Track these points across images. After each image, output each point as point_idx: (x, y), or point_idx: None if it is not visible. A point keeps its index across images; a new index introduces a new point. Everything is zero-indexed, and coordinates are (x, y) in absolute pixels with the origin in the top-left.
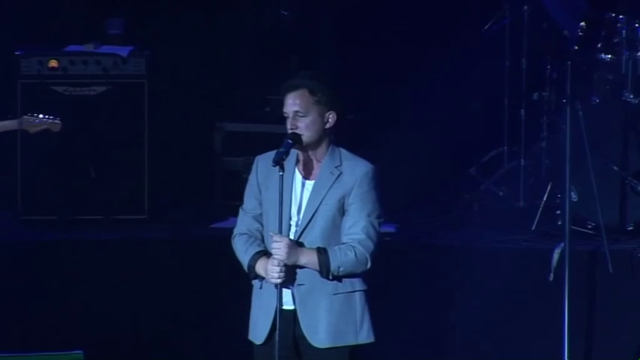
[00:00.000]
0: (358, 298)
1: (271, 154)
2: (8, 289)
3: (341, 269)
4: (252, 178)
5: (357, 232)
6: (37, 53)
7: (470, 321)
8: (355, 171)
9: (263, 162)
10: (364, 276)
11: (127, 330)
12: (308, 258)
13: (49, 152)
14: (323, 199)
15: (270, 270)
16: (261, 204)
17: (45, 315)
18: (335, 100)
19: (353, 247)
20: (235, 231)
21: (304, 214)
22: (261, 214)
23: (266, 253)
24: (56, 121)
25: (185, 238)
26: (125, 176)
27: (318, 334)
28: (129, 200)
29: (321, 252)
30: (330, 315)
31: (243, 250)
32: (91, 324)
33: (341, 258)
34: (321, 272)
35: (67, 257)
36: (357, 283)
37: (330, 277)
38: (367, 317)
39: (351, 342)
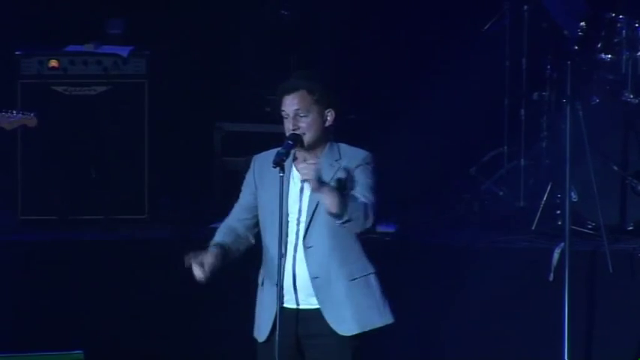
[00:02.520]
0: (374, 280)
1: (268, 153)
2: (8, 289)
3: (353, 214)
4: (249, 176)
5: (360, 191)
6: (38, 53)
7: (470, 321)
8: (354, 158)
9: (260, 161)
10: (371, 260)
11: (127, 330)
12: (329, 192)
13: (49, 152)
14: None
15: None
16: (256, 200)
17: (45, 315)
18: (333, 98)
19: (360, 197)
20: (224, 221)
21: (307, 211)
22: (255, 207)
23: (222, 247)
24: (31, 116)
25: (185, 238)
26: (125, 176)
27: (346, 322)
28: (129, 200)
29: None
30: (353, 301)
31: (216, 234)
32: (91, 324)
33: (355, 202)
34: (334, 212)
35: (67, 257)
36: (369, 267)
37: (342, 220)
38: (386, 298)
39: (377, 324)
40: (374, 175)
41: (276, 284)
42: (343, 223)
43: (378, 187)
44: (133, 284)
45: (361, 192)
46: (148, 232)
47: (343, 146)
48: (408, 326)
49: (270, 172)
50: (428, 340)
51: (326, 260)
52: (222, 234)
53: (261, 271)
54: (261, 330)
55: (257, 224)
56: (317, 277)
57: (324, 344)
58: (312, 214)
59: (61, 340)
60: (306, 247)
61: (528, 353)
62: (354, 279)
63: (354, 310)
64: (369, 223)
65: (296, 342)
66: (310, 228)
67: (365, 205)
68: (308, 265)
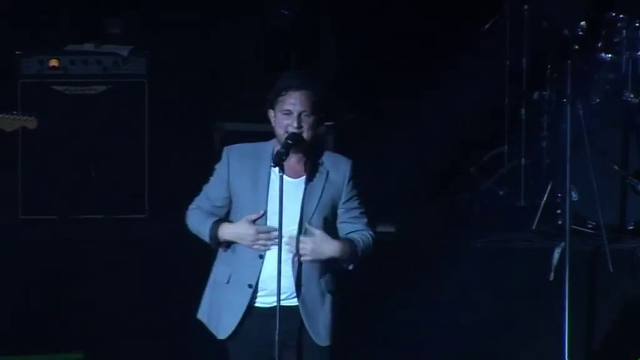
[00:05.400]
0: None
1: (244, 146)
2: (8, 289)
3: (360, 254)
4: (221, 169)
5: (362, 220)
6: (38, 53)
7: (469, 320)
8: (339, 169)
9: (236, 155)
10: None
11: (127, 330)
12: (336, 248)
13: (49, 152)
14: (320, 199)
15: (247, 235)
16: (227, 198)
17: (45, 315)
18: (328, 101)
19: (365, 232)
20: (191, 206)
21: (304, 214)
22: (221, 207)
23: (225, 221)
24: (31, 117)
25: (185, 238)
26: (125, 176)
27: (320, 333)
28: (129, 200)
29: (347, 242)
30: (328, 313)
31: (198, 220)
32: (91, 324)
33: (363, 243)
34: (344, 262)
35: (67, 257)
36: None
37: (352, 267)
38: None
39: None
40: (361, 184)
41: (252, 285)
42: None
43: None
44: (132, 284)
45: (359, 211)
46: (148, 231)
47: (320, 150)
48: (407, 325)
49: (249, 168)
50: (427, 340)
51: (312, 270)
52: (210, 217)
53: (226, 269)
54: (222, 327)
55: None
56: (302, 286)
57: (305, 339)
58: (310, 218)
59: (60, 341)
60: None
61: (528, 353)
62: (332, 291)
63: (328, 322)
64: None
65: (298, 341)
66: (300, 236)
67: (370, 235)
68: (293, 273)
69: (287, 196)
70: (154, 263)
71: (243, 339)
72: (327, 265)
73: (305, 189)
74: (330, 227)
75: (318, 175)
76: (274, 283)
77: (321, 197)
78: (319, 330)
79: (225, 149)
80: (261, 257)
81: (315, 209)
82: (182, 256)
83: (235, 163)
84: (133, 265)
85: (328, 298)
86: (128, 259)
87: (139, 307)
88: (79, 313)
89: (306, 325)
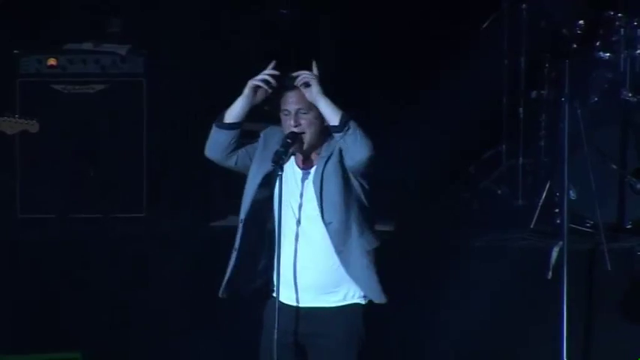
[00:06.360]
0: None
1: (276, 129)
2: (7, 289)
3: (352, 122)
4: (252, 148)
5: None
6: (36, 51)
7: (468, 320)
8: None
9: (267, 136)
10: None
11: (127, 330)
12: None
13: (48, 150)
14: (322, 174)
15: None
16: (245, 163)
17: (43, 315)
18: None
19: None
20: None
21: (316, 194)
22: (239, 161)
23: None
24: (33, 122)
25: (185, 237)
26: (124, 175)
27: (376, 291)
28: (128, 199)
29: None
30: (373, 271)
31: None
32: (89, 324)
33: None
34: (336, 122)
35: (65, 256)
36: (375, 240)
37: (348, 128)
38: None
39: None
40: None
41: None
42: (345, 133)
43: None
44: (131, 283)
45: None
46: (147, 231)
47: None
48: (406, 325)
49: (269, 151)
50: (426, 340)
51: (345, 233)
52: None
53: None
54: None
55: (233, 157)
56: (341, 251)
57: (328, 344)
58: (321, 194)
59: (58, 340)
60: (326, 224)
61: (526, 351)
62: (369, 250)
63: (377, 280)
64: (371, 147)
65: (294, 341)
66: (324, 206)
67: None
68: (332, 239)
69: (296, 185)
70: (153, 262)
71: (267, 332)
72: (361, 226)
73: (316, 174)
74: (358, 200)
75: (323, 158)
76: (298, 277)
77: (326, 165)
78: (375, 289)
79: (263, 132)
80: (241, 221)
81: (323, 179)
82: (182, 255)
83: (266, 144)
84: (131, 264)
85: (371, 256)
86: (126, 258)
87: (138, 306)
88: (77, 312)
89: (364, 291)
